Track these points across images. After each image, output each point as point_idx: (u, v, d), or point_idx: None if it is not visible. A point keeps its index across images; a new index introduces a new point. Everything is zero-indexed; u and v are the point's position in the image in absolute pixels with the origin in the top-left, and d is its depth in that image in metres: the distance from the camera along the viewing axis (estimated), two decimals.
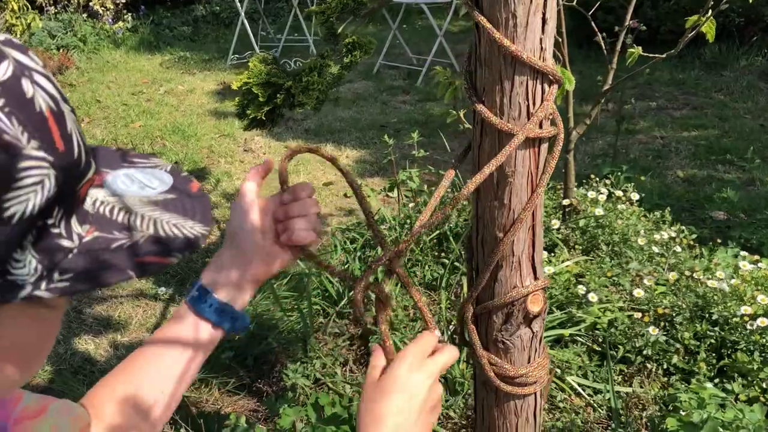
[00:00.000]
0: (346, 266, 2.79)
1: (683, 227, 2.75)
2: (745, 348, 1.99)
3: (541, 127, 1.22)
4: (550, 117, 1.23)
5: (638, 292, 2.13)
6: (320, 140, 5.07)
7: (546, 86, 1.19)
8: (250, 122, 2.49)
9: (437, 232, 2.77)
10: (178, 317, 0.88)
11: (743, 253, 2.62)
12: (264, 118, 2.46)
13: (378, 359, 0.87)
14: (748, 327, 2.01)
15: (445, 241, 2.76)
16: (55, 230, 0.52)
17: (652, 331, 2.01)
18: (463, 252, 2.57)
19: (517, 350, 1.34)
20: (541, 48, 1.15)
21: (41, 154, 0.47)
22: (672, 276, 2.20)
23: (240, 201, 0.91)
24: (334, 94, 3.79)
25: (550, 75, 1.17)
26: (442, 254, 2.65)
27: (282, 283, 2.90)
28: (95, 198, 0.58)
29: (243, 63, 7.17)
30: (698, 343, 2.06)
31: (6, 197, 0.46)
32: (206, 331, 0.86)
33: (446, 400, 2.11)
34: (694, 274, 2.17)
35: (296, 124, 5.34)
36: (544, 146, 1.26)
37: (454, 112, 2.16)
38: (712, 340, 2.06)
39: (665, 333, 2.08)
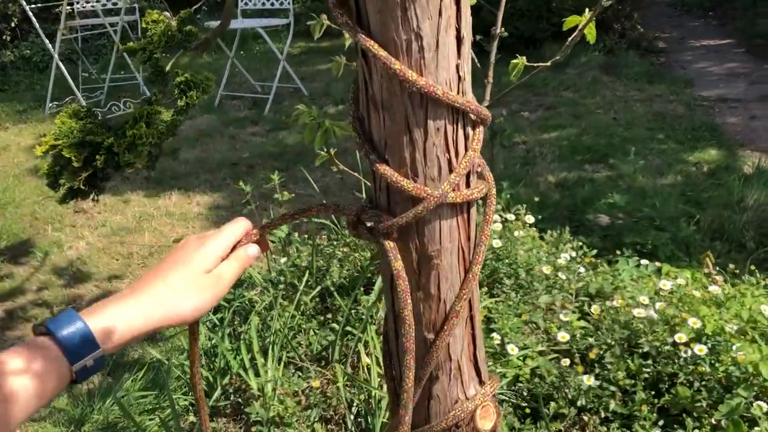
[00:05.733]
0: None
1: (580, 242, 2.55)
2: (684, 380, 1.77)
3: (468, 185, 0.87)
4: (478, 170, 0.89)
5: (563, 336, 1.86)
6: (164, 189, 4.50)
7: (470, 129, 0.85)
8: (66, 194, 1.98)
9: (318, 288, 2.36)
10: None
11: (644, 261, 2.46)
12: (83, 187, 1.96)
13: None
14: (683, 355, 1.79)
15: (329, 297, 2.37)
16: None
17: (587, 380, 1.75)
18: (353, 311, 2.18)
19: None
20: (459, 78, 0.81)
21: None
22: (594, 310, 1.95)
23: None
24: (169, 144, 3.30)
25: (474, 113, 0.83)
26: (328, 316, 2.25)
27: (137, 378, 2.39)
28: None
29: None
30: (633, 381, 1.82)
31: None
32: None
33: None
34: (614, 302, 1.94)
35: (134, 173, 4.73)
36: (474, 209, 0.92)
37: (324, 153, 1.79)
38: (647, 376, 1.83)
39: (596, 376, 1.83)
